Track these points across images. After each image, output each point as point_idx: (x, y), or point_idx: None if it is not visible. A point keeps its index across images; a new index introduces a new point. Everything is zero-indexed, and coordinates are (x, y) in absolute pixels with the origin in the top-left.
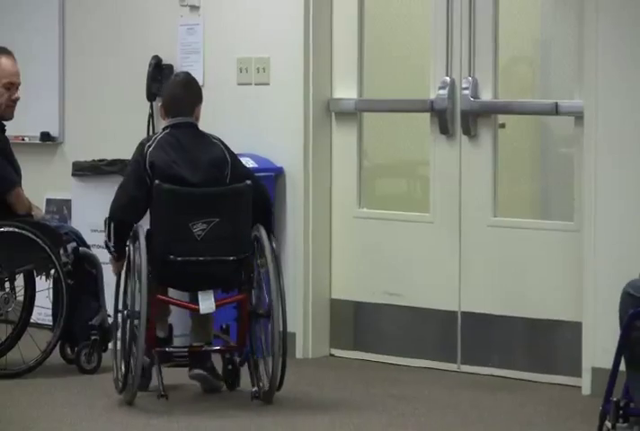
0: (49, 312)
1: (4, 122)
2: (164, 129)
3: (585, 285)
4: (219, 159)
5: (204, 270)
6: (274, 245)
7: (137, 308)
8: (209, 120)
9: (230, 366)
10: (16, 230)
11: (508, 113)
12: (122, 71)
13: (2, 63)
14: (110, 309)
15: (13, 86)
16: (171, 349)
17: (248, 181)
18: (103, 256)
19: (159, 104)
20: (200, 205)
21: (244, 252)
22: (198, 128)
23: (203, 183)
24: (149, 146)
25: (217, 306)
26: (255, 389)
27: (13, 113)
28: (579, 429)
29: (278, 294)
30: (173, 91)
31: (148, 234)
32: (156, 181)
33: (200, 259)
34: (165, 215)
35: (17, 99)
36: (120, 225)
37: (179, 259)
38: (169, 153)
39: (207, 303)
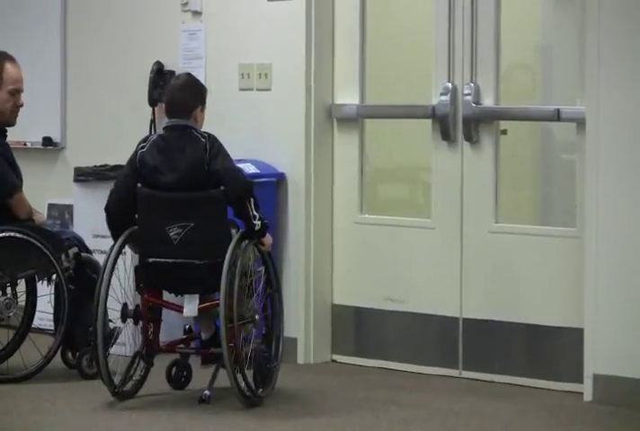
0: (51, 317)
1: (7, 128)
2: (162, 130)
3: (586, 292)
4: (197, 162)
5: (178, 273)
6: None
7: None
8: (211, 126)
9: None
10: (18, 235)
11: (509, 119)
12: (124, 76)
13: (7, 69)
14: (110, 314)
15: (17, 93)
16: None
17: (221, 187)
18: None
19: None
20: (176, 209)
21: (216, 257)
22: (190, 131)
23: (179, 188)
24: (142, 147)
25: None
26: (208, 393)
27: (16, 119)
28: None
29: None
30: (171, 93)
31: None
32: (139, 185)
33: (170, 261)
34: (145, 218)
35: (21, 105)
36: (108, 218)
37: (150, 260)
38: (155, 156)
39: (190, 306)
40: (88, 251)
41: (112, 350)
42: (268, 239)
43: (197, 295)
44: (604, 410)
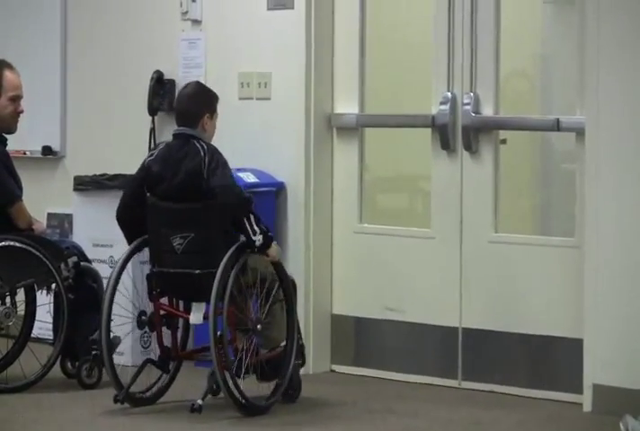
0: (50, 326)
1: (7, 136)
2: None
3: (586, 302)
4: (194, 174)
5: (181, 282)
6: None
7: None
8: None
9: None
10: (17, 244)
11: (509, 129)
12: (124, 85)
13: (7, 76)
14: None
15: (17, 99)
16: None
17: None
18: (104, 270)
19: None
20: (177, 219)
21: (213, 267)
22: (192, 141)
23: (177, 198)
24: (151, 155)
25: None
26: (200, 402)
27: (16, 126)
28: None
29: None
30: (179, 101)
31: None
32: (147, 194)
33: (172, 271)
34: (152, 227)
35: (22, 111)
36: (118, 222)
37: (155, 270)
38: (159, 163)
39: (196, 314)
40: (87, 261)
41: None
42: (273, 250)
43: (204, 304)
44: (603, 421)
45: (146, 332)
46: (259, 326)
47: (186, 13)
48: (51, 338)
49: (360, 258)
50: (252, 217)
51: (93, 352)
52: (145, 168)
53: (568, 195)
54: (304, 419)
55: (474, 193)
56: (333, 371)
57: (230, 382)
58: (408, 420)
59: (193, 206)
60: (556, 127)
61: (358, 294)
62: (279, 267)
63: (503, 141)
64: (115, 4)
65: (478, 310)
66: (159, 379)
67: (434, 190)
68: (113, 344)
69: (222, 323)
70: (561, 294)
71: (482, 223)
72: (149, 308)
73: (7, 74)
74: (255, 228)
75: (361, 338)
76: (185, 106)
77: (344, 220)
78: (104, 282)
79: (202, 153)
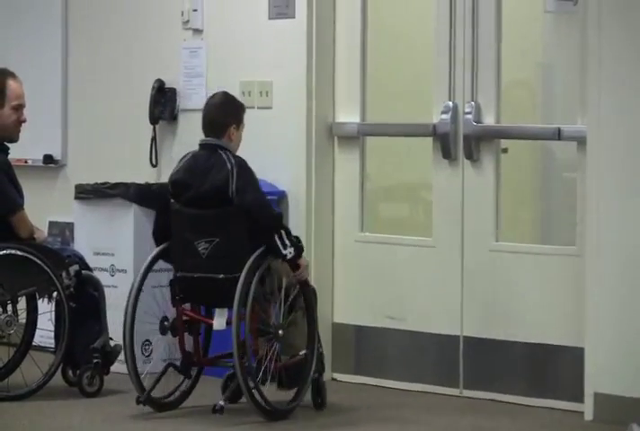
0: (52, 334)
1: (8, 145)
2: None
3: (587, 310)
4: (221, 186)
5: (204, 287)
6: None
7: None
8: None
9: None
10: (19, 252)
11: (510, 138)
12: (125, 94)
13: (10, 85)
14: (112, 332)
15: (20, 108)
16: None
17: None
18: (106, 279)
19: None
20: (203, 225)
21: (237, 272)
22: (219, 152)
23: (202, 206)
24: (178, 163)
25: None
26: (222, 403)
27: (19, 135)
28: None
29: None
30: (206, 111)
31: None
32: (172, 201)
33: (195, 276)
34: (176, 233)
35: (24, 120)
36: (156, 243)
37: (178, 274)
38: (184, 172)
39: (219, 320)
40: (89, 269)
41: (113, 368)
42: (303, 261)
43: (226, 309)
44: (605, 429)
45: (146, 341)
46: (280, 332)
47: (187, 22)
48: (52, 346)
49: (362, 266)
50: (282, 233)
51: (95, 360)
52: (171, 183)
53: (569, 204)
54: (304, 428)
55: (475, 202)
56: (334, 379)
57: (252, 387)
58: (409, 429)
59: (218, 211)
60: (557, 136)
61: (359, 302)
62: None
63: (505, 150)
64: (116, 13)
65: (479, 318)
66: (181, 384)
67: (435, 199)
68: (116, 352)
69: (244, 329)
70: (562, 303)
71: (483, 231)
72: (172, 314)
73: (10, 83)
74: (286, 242)
75: (362, 347)
76: (212, 116)
77: (345, 229)
78: (105, 290)
79: (229, 166)
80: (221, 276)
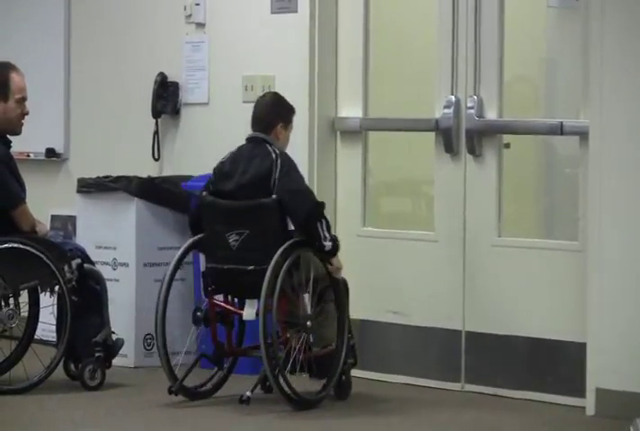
0: (53, 328)
1: (11, 138)
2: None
3: (589, 305)
4: (262, 174)
5: (233, 279)
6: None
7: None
8: (214, 138)
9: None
10: (21, 246)
11: (513, 133)
12: (128, 88)
13: (13, 78)
14: (113, 325)
15: (23, 101)
16: None
17: (274, 196)
18: (108, 272)
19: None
20: (233, 217)
21: (266, 264)
22: (264, 145)
23: (239, 196)
24: (224, 157)
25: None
26: (249, 394)
27: (21, 128)
28: None
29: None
30: (255, 108)
31: None
32: (203, 193)
33: (225, 267)
34: (208, 224)
35: (27, 113)
36: (193, 233)
37: (209, 266)
38: (228, 165)
39: (249, 310)
40: (91, 263)
41: (115, 362)
42: (337, 260)
43: (256, 300)
44: (606, 424)
45: (148, 335)
46: (308, 323)
47: (190, 16)
48: (54, 339)
49: (364, 261)
50: (324, 222)
51: (96, 354)
52: (214, 171)
53: (572, 198)
54: (305, 422)
55: (477, 197)
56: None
57: (280, 378)
58: (411, 423)
59: (249, 203)
60: (560, 130)
61: (361, 297)
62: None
63: (507, 145)
64: (119, 6)
65: (481, 313)
66: (214, 375)
67: (438, 194)
68: (117, 346)
69: (272, 320)
70: (564, 298)
71: (485, 226)
72: (204, 304)
73: (14, 76)
74: (326, 234)
75: (365, 342)
76: (259, 114)
77: (348, 223)
78: (107, 284)
79: (274, 156)
80: (250, 267)
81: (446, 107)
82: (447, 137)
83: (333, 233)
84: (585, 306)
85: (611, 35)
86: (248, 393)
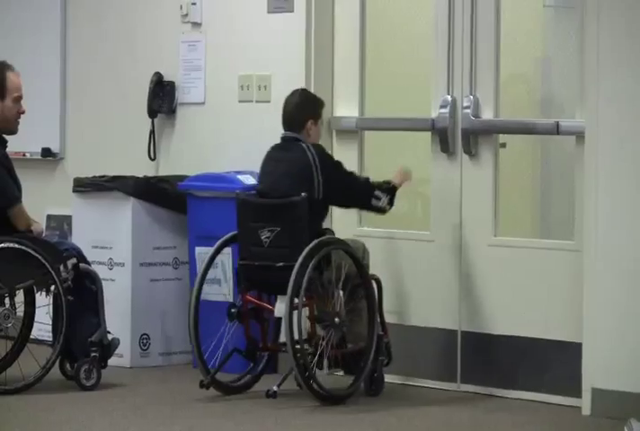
0: (49, 328)
1: (7, 138)
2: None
3: (585, 305)
4: (300, 172)
5: (264, 275)
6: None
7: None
8: (210, 137)
9: None
10: (16, 246)
11: (509, 132)
12: (124, 87)
13: (9, 77)
14: (109, 325)
15: (20, 99)
16: None
17: (304, 194)
18: (103, 272)
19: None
20: (265, 214)
21: (295, 261)
22: (297, 142)
23: (273, 194)
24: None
25: None
26: (275, 389)
27: (18, 127)
28: None
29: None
30: (285, 106)
31: None
32: (237, 192)
33: (256, 264)
34: (241, 222)
35: (24, 112)
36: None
37: (241, 262)
38: (266, 165)
39: (280, 306)
40: (87, 262)
41: (110, 361)
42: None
43: (286, 297)
44: (602, 424)
45: (144, 335)
46: (336, 319)
47: (186, 15)
48: (50, 339)
49: None
50: (374, 193)
51: (92, 354)
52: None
53: (567, 198)
54: (302, 421)
55: (473, 196)
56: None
57: (306, 373)
58: (407, 423)
59: (279, 201)
60: (556, 130)
61: None
62: (359, 265)
63: (503, 144)
64: (115, 6)
65: (477, 313)
66: (249, 370)
67: (434, 194)
68: (113, 345)
69: (299, 317)
70: (560, 298)
71: (481, 226)
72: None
73: (10, 75)
74: (380, 195)
75: None
76: (289, 113)
77: (344, 223)
78: (103, 284)
79: (310, 153)
80: (280, 264)
81: (442, 106)
82: (443, 137)
83: (380, 184)
84: (581, 306)
85: (607, 34)
86: (275, 388)
